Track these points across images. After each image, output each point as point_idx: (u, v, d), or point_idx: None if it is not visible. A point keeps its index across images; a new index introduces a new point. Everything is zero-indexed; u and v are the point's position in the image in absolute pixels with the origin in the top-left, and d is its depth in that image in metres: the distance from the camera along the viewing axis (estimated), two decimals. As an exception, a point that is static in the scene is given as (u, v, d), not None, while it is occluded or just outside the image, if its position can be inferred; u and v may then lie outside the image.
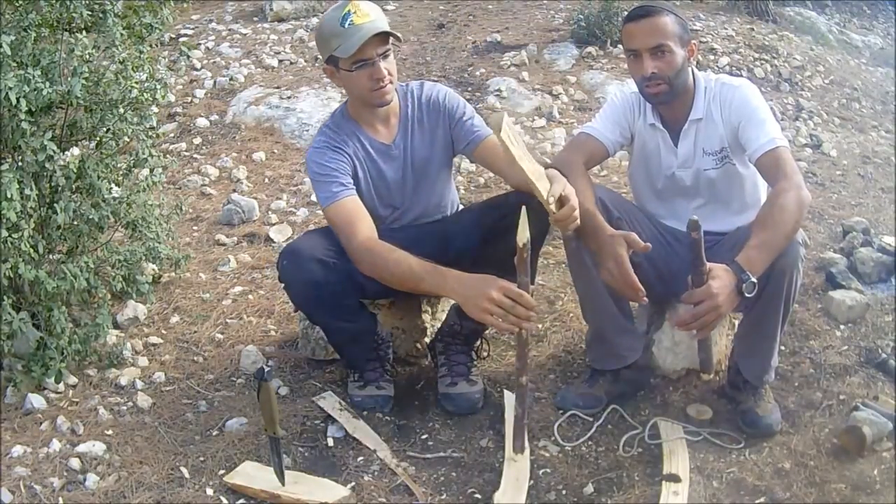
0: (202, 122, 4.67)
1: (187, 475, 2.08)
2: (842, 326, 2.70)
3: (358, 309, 2.33)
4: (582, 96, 4.96)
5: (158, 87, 2.70)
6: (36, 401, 2.34)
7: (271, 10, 6.25)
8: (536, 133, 4.51)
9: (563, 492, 2.02)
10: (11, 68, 2.26)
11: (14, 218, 2.18)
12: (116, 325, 2.76)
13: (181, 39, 5.60)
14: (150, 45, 2.81)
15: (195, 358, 2.64)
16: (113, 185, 2.74)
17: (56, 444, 2.18)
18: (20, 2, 2.50)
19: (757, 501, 1.97)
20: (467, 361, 2.39)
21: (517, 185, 2.15)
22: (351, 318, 2.29)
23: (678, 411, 2.30)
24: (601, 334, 2.33)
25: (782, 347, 2.47)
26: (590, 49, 5.47)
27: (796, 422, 2.25)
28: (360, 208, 2.16)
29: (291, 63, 5.47)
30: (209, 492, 2.02)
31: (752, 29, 6.07)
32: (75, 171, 2.51)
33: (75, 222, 2.56)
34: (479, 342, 2.50)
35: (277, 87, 4.99)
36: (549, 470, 2.10)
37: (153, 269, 3.04)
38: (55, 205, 2.43)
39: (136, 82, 2.63)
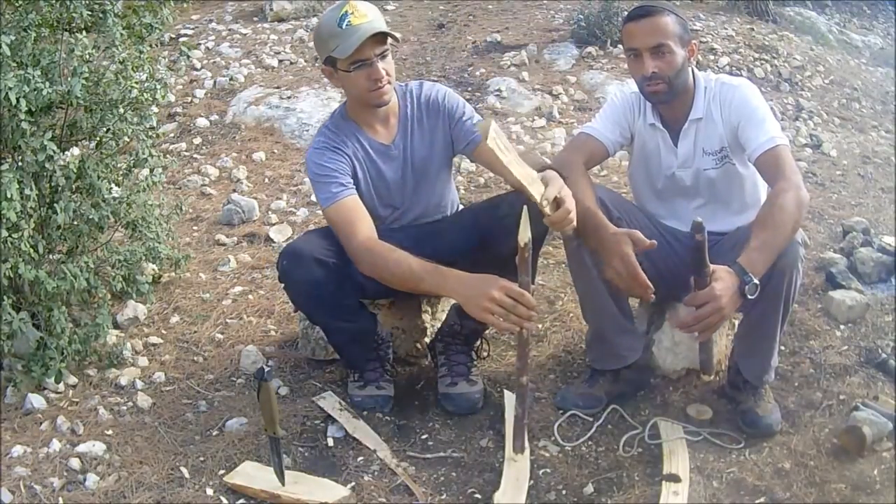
0: (202, 122, 4.67)
1: (187, 475, 2.08)
2: (842, 326, 2.70)
3: (358, 309, 2.33)
4: (582, 96, 4.96)
5: (158, 87, 2.70)
6: (36, 401, 2.34)
7: (271, 10, 6.25)
8: (536, 133, 4.51)
9: (563, 492, 2.02)
10: (11, 68, 2.26)
11: (14, 218, 2.18)
12: (116, 325, 2.76)
13: (181, 39, 5.60)
14: (150, 45, 2.81)
15: (195, 358, 2.64)
16: (113, 185, 2.74)
17: (56, 444, 2.18)
18: (20, 2, 2.51)
19: (757, 501, 1.97)
20: (467, 361, 2.39)
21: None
22: (351, 318, 2.29)
23: (678, 411, 2.30)
24: (601, 334, 2.33)
25: (782, 347, 2.47)
26: (590, 49, 5.47)
27: (796, 422, 2.25)
28: (360, 208, 2.16)
29: (291, 63, 5.47)
30: (209, 492, 2.02)
31: (752, 29, 6.07)
32: (75, 171, 2.51)
33: (75, 222, 2.56)
34: (479, 342, 2.50)
35: (277, 87, 5.00)
36: (549, 470, 2.10)
37: (153, 269, 3.04)
38: (55, 205, 2.43)
39: (136, 82, 2.63)
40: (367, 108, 2.22)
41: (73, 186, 2.54)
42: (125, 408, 2.37)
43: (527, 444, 2.09)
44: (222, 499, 2.00)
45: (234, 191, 3.93)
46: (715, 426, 2.23)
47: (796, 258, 2.02)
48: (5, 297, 2.30)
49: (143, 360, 2.60)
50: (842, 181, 4.09)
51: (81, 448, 2.16)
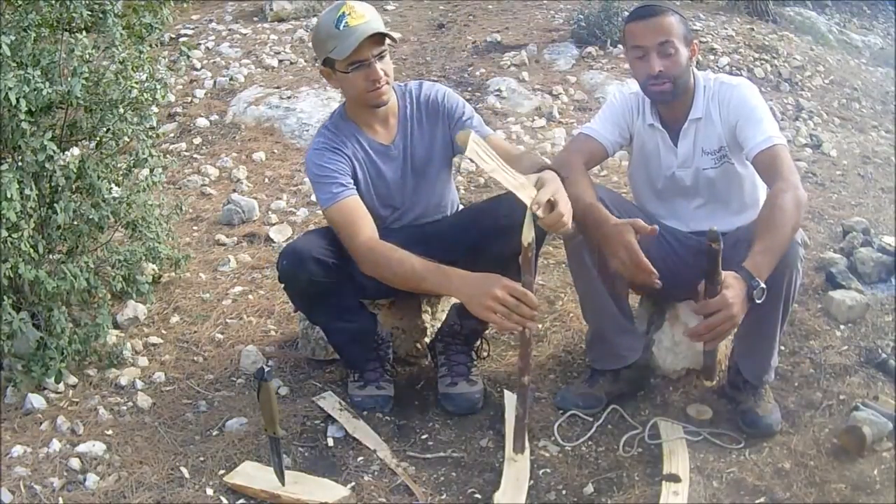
0: (202, 122, 4.67)
1: (187, 475, 2.08)
2: (842, 326, 2.70)
3: (358, 309, 2.33)
4: (582, 96, 4.96)
5: (158, 87, 2.70)
6: (36, 401, 2.34)
7: (271, 10, 6.25)
8: (536, 133, 4.51)
9: (563, 492, 2.02)
10: (11, 68, 2.26)
11: (14, 218, 2.18)
12: (116, 325, 2.76)
13: (181, 39, 5.61)
14: (150, 45, 2.81)
15: (195, 358, 2.64)
16: (113, 185, 2.74)
17: (56, 444, 2.18)
18: (20, 2, 2.50)
19: (757, 501, 1.97)
20: (467, 361, 2.39)
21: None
22: (351, 318, 2.29)
23: (678, 411, 2.30)
24: (601, 334, 2.33)
25: (782, 347, 2.47)
26: (590, 49, 5.47)
27: (796, 422, 2.25)
28: (360, 208, 2.16)
29: (291, 63, 5.47)
30: (209, 492, 2.02)
31: (752, 29, 6.07)
32: (75, 171, 2.51)
33: (75, 222, 2.56)
34: (479, 342, 2.50)
35: (277, 87, 5.00)
36: (549, 470, 2.10)
37: (153, 269, 3.04)
38: (55, 205, 2.43)
39: (136, 82, 2.63)
40: (366, 108, 2.22)
41: (73, 186, 2.54)
42: (125, 408, 2.37)
43: (527, 444, 2.09)
44: (222, 499, 2.00)
45: (234, 191, 3.93)
46: (715, 426, 2.23)
47: (796, 258, 2.02)
48: (5, 297, 2.30)
49: (143, 360, 2.60)
50: (842, 181, 4.09)
51: (81, 448, 2.17)
